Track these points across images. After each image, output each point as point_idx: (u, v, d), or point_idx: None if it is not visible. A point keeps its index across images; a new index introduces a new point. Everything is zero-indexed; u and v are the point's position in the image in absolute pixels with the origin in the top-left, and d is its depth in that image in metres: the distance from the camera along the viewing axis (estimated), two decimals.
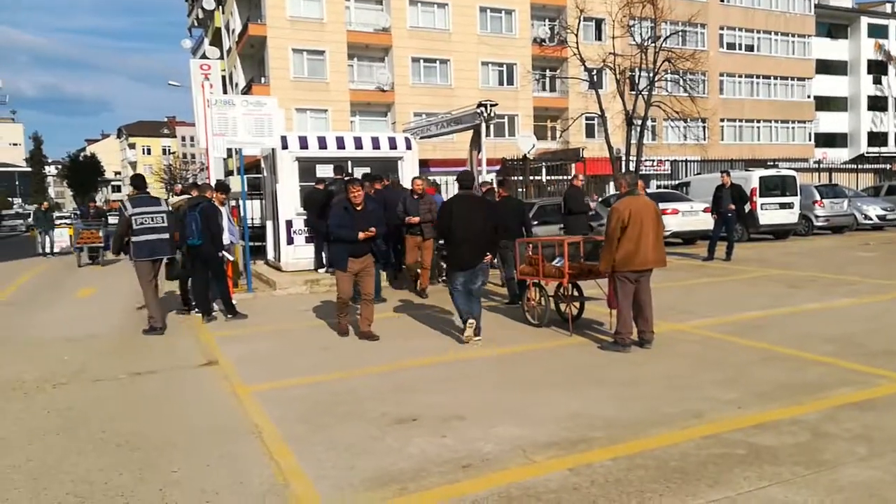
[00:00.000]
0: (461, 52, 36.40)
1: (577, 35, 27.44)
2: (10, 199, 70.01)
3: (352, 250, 7.25)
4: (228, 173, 18.44)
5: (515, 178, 19.04)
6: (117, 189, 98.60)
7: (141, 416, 5.10)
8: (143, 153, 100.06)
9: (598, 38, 37.02)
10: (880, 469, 3.66)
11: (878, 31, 53.07)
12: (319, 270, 11.69)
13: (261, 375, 6.10)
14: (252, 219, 13.95)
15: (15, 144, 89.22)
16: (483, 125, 13.32)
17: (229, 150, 11.80)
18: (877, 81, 52.99)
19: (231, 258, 9.78)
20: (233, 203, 11.56)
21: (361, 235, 7.17)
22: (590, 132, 38.04)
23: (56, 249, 20.80)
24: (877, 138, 53.06)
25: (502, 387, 5.50)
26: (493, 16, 37.47)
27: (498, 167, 20.99)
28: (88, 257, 17.55)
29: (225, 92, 29.19)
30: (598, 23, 36.87)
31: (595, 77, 28.47)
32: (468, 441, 4.29)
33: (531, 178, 21.12)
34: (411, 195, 10.25)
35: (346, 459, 4.08)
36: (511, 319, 8.30)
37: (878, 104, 53.21)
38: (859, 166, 33.65)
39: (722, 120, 43.64)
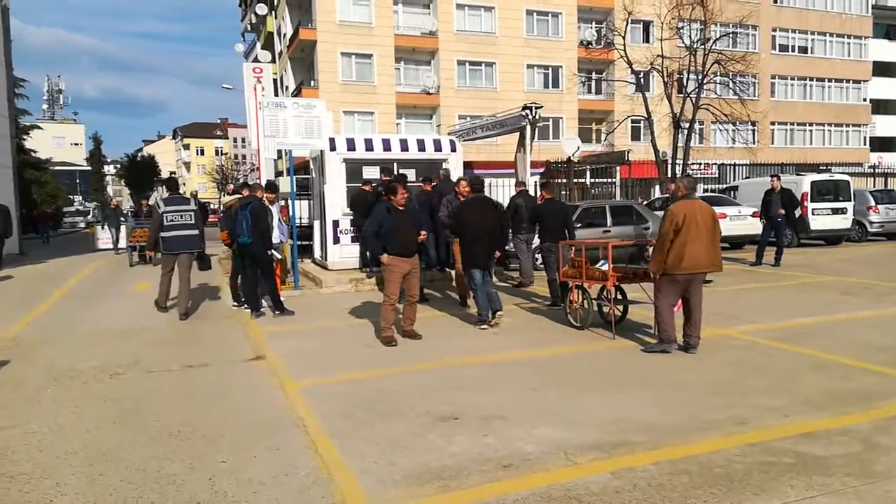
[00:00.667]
0: (507, 55, 36.37)
1: (624, 37, 27.14)
2: (70, 196, 72.65)
3: (400, 249, 7.20)
4: (278, 174, 18.85)
5: (559, 180, 18.93)
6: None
7: (192, 407, 5.27)
8: (197, 154, 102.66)
9: (646, 40, 36.52)
10: None
11: None
12: (365, 270, 11.85)
13: (307, 371, 6.23)
14: (300, 218, 14.21)
15: (76, 144, 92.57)
16: (528, 128, 13.32)
17: (279, 152, 12.07)
18: None
19: (279, 256, 10.00)
20: (282, 203, 11.83)
21: (420, 237, 7.34)
22: (635, 135, 37.55)
23: (123, 245, 21.41)
24: None
25: (544, 388, 5.51)
26: (539, 18, 37.33)
27: (542, 170, 20.92)
28: (139, 256, 17.37)
29: (276, 95, 29.77)
30: (646, 25, 36.40)
31: (642, 80, 28.10)
32: (510, 441, 4.32)
33: (575, 180, 20.95)
34: (457, 198, 9.20)
35: (388, 455, 4.15)
36: (553, 321, 8.28)
37: None
38: None
39: (773, 123, 42.51)
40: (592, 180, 24.33)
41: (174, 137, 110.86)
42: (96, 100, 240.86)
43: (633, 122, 34.43)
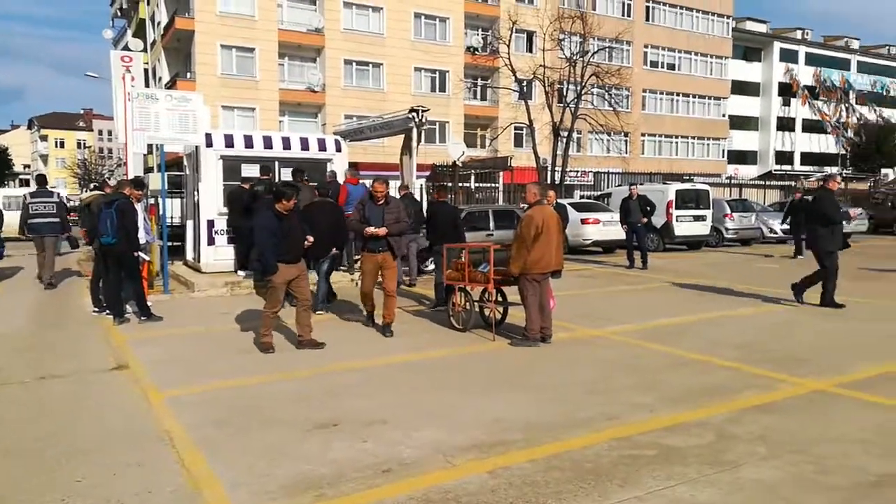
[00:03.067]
0: (395, 57, 36.40)
1: (508, 46, 27.94)
2: None
3: (287, 256, 6.86)
4: (148, 170, 17.79)
5: (445, 184, 19.15)
6: (25, 183, 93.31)
7: (46, 421, 4.84)
8: (56, 146, 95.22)
9: (529, 49, 37.79)
10: (778, 469, 3.87)
11: (788, 56, 56.44)
12: (239, 273, 11.41)
13: (175, 380, 5.89)
14: (171, 218, 13.48)
15: None
16: (414, 130, 13.35)
17: (150, 146, 11.38)
18: (786, 104, 56.31)
19: (147, 258, 9.42)
20: (151, 201, 11.16)
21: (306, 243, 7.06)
22: (518, 142, 38.73)
23: None
24: (784, 157, 56.34)
25: (425, 391, 5.52)
26: (427, 22, 37.66)
27: (428, 173, 21.07)
28: None
29: (147, 86, 28.11)
30: (530, 35, 37.64)
31: (525, 88, 29.04)
32: (389, 445, 4.28)
33: (460, 184, 21.28)
34: (372, 200, 7.81)
35: (262, 466, 3.99)
36: (436, 324, 8.34)
37: (785, 124, 56.53)
38: (767, 182, 35.68)
39: (643, 134, 45.30)
40: (477, 185, 24.83)
41: (30, 128, 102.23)
42: None
43: (516, 128, 35.50)
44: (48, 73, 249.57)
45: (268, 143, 12.33)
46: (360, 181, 12.16)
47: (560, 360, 6.56)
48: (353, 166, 13.58)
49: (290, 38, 34.33)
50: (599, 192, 24.76)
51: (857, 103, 58.57)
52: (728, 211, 20.13)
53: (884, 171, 38.86)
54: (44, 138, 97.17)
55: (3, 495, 3.62)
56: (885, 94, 60.12)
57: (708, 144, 49.98)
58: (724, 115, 50.70)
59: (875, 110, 58.21)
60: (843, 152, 54.41)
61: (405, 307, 9.58)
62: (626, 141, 40.61)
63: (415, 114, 13.36)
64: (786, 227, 18.63)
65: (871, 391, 5.30)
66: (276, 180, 11.72)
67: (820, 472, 3.82)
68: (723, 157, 50.77)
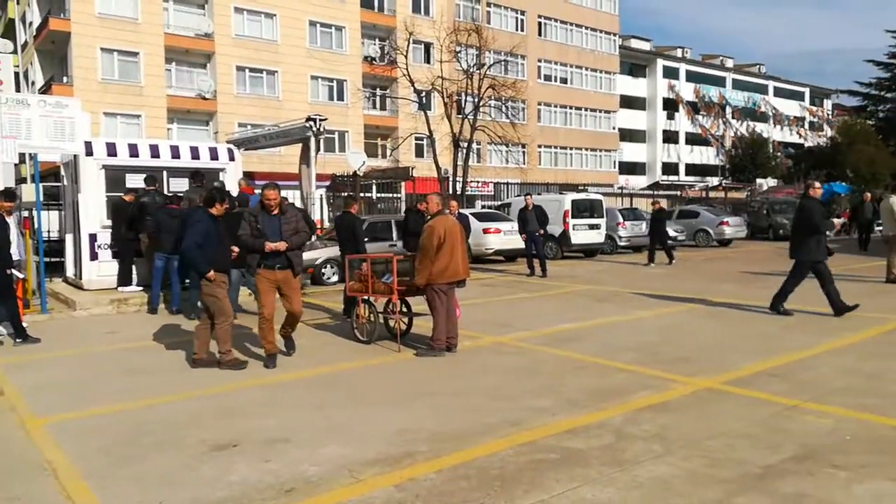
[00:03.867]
0: (290, 65, 35.70)
1: (406, 56, 28.10)
2: None
3: (218, 263, 6.60)
4: (21, 181, 16.48)
5: (345, 193, 18.95)
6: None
7: None
8: None
9: (427, 60, 38.15)
10: (673, 465, 4.05)
11: (671, 73, 60.09)
12: (122, 289, 10.78)
13: (56, 406, 5.46)
14: (49, 232, 12.55)
15: None
16: (312, 139, 13.14)
17: (21, 155, 10.55)
18: (670, 118, 59.90)
19: (21, 276, 8.70)
20: (24, 214, 10.35)
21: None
22: (419, 152, 38.96)
23: None
24: (670, 168, 59.86)
25: (329, 406, 5.39)
26: (322, 31, 37.21)
27: (328, 183, 20.80)
28: None
29: (18, 90, 26.12)
30: (427, 46, 38.02)
31: (423, 99, 29.28)
32: (293, 464, 4.14)
33: (361, 194, 21.14)
34: (265, 212, 6.79)
35: (155, 493, 3.75)
36: (339, 336, 8.20)
37: (671, 137, 60.10)
38: (655, 192, 37.74)
39: (540, 146, 46.78)
40: (378, 195, 24.77)
41: None
42: None
43: (416, 139, 35.69)
44: None
45: (155, 151, 11.73)
46: (255, 191, 11.83)
47: (465, 368, 6.60)
48: (249, 176, 13.19)
49: (177, 43, 32.95)
50: (500, 202, 25.30)
51: (732, 118, 63.10)
52: (620, 219, 21.08)
53: (758, 181, 42.08)
54: None
55: None
56: (756, 109, 65.16)
57: (600, 156, 52.27)
58: (614, 128, 53.22)
59: (748, 125, 62.96)
60: (722, 163, 58.40)
61: (306, 321, 9.36)
62: (523, 152, 41.80)
63: (312, 122, 13.17)
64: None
65: (754, 388, 5.66)
66: (165, 191, 11.22)
67: (710, 466, 4.03)
68: (614, 167, 53.27)
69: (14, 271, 8.06)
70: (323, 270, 13.64)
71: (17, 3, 35.35)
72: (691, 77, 61.35)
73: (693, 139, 61.13)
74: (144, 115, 32.09)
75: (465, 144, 28.40)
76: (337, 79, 37.56)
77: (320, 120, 13.24)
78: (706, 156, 61.67)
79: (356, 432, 4.71)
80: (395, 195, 25.42)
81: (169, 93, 33.02)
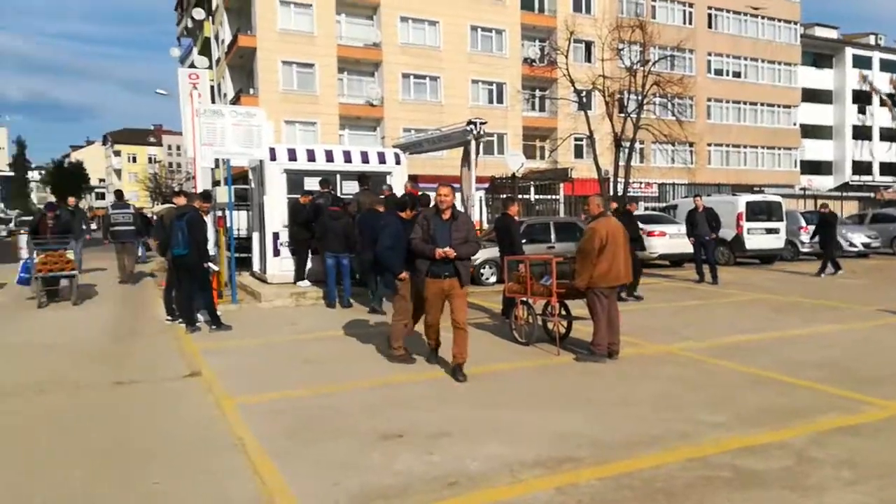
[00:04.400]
0: (451, 70, 36.63)
1: (566, 56, 27.72)
2: None
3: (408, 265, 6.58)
4: (215, 183, 18.35)
5: (504, 195, 19.10)
6: (101, 196, 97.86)
7: (122, 425, 5.01)
8: (129, 161, 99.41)
9: (588, 59, 37.41)
10: (865, 494, 3.66)
11: (862, 62, 54.16)
12: (299, 283, 11.62)
13: (245, 388, 6.02)
14: (238, 230, 13.87)
15: None
16: (473, 142, 13.37)
17: (217, 161, 11.75)
18: (861, 111, 53.98)
19: (216, 268, 9.70)
20: (219, 213, 11.50)
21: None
22: (578, 153, 38.33)
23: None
24: (861, 167, 53.94)
25: (489, 405, 5.46)
26: (483, 35, 37.78)
27: (487, 185, 21.08)
28: (46, 293, 11.05)
29: (213, 102, 29.14)
30: (588, 45, 37.28)
31: (584, 98, 28.74)
32: (455, 458, 4.25)
33: (520, 196, 21.20)
34: (437, 216, 6.41)
35: (330, 475, 4.02)
36: (498, 337, 8.27)
37: (862, 133, 54.15)
38: (844, 194, 34.20)
39: (709, 144, 44.16)
40: (536, 196, 24.68)
41: (104, 143, 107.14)
42: (22, 103, 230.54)
43: (576, 139, 35.13)
44: (121, 91, 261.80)
45: (329, 156, 12.56)
46: (420, 192, 12.26)
47: (627, 376, 6.40)
48: (413, 179, 13.68)
49: (348, 53, 35.00)
50: (664, 204, 24.22)
51: None
52: (803, 223, 19.30)
53: None
54: (117, 153, 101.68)
55: (84, 495, 3.75)
56: None
57: (778, 154, 48.32)
58: (794, 124, 48.95)
59: None
60: None
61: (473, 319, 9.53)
62: (691, 151, 39.62)
63: (472, 126, 13.38)
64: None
65: None
66: (338, 193, 11.95)
67: None
68: (795, 166, 48.99)
69: (211, 265, 9.01)
70: (482, 271, 13.83)
71: (212, 23, 39.46)
72: (887, 66, 54.85)
73: (889, 135, 54.60)
74: (319, 122, 34.45)
75: (628, 144, 27.50)
76: (496, 82, 37.96)
77: (480, 123, 13.43)
78: None
79: (516, 433, 4.74)
80: (553, 196, 25.19)
81: (341, 101, 35.18)
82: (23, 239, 20.12)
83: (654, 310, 10.52)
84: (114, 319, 9.85)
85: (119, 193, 16.43)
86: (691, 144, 37.06)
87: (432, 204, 6.98)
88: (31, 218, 24.55)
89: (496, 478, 3.96)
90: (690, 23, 43.75)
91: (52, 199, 75.71)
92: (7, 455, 4.40)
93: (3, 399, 5.71)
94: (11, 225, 40.58)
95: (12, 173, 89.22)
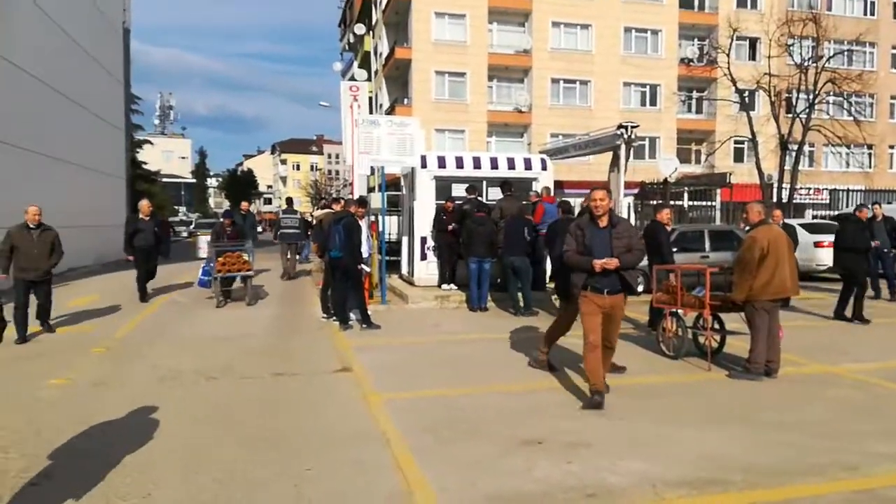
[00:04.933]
0: (603, 73, 35.86)
1: (728, 55, 26.21)
2: (175, 207, 77.29)
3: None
4: (370, 190, 19.32)
5: (655, 202, 18.39)
6: (268, 201, 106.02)
7: (280, 414, 5.44)
8: (293, 169, 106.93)
9: (752, 57, 35.07)
10: None
11: None
12: (443, 287, 11.92)
13: (391, 385, 6.30)
14: (389, 234, 14.49)
15: (183, 158, 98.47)
16: (623, 147, 13.02)
17: (372, 168, 12.37)
18: None
19: (368, 270, 10.21)
20: (372, 218, 12.09)
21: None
22: (738, 156, 36.01)
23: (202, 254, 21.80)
24: None
25: (632, 418, 5.30)
26: (637, 36, 36.61)
27: (636, 190, 20.41)
28: (223, 293, 11.66)
29: (371, 112, 30.64)
30: (753, 42, 34.96)
31: (746, 99, 27.00)
32: (594, 470, 4.19)
33: (672, 202, 20.31)
34: (592, 223, 5.70)
35: (468, 475, 4.11)
36: (643, 349, 8.00)
37: None
38: None
39: (891, 146, 39.68)
40: (690, 203, 23.53)
41: (272, 152, 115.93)
42: (203, 115, 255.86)
43: (736, 142, 33.02)
44: (288, 104, 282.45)
45: (477, 163, 12.79)
46: (557, 199, 12.19)
47: (786, 396, 5.95)
48: (558, 185, 13.55)
49: (498, 61, 35.35)
50: (836, 212, 22.13)
51: None
52: None
53: None
54: (283, 162, 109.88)
55: (244, 477, 4.12)
56: None
57: None
58: None
59: None
60: None
61: None
62: (869, 154, 35.93)
63: (623, 130, 13.01)
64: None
65: None
66: (483, 199, 12.13)
67: None
68: None
69: (364, 266, 9.52)
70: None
71: (372, 37, 41.55)
72: None
73: None
74: (468, 129, 35.11)
75: (795, 147, 25.45)
76: (650, 83, 36.64)
77: (632, 127, 13.03)
78: None
79: (660, 449, 4.57)
80: (709, 203, 23.83)
81: (489, 108, 35.63)
82: (202, 240, 22.29)
83: (819, 327, 9.66)
84: (276, 316, 10.66)
85: (290, 200, 18.58)
86: (870, 147, 33.61)
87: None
88: (209, 220, 27.18)
89: (637, 494, 3.85)
90: (872, 14, 39.56)
91: (227, 204, 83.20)
92: (180, 435, 4.92)
93: (178, 384, 6.38)
94: (192, 227, 45.11)
95: (194, 180, 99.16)
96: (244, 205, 17.42)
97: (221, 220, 13.04)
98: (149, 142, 52.28)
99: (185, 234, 44.70)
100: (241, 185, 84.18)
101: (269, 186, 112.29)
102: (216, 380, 6.52)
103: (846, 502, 3.73)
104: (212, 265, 11.62)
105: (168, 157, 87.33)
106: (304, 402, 5.81)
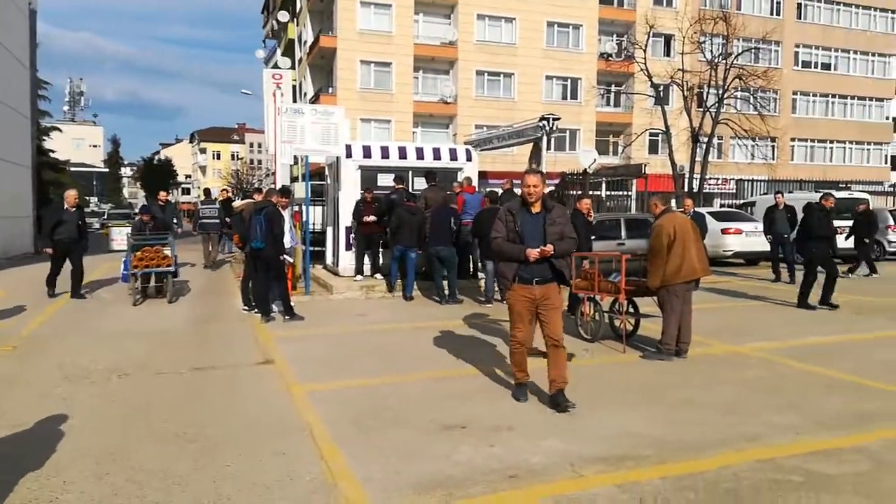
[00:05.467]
0: (526, 66, 36.42)
1: (644, 50, 27.12)
2: (86, 197, 73.54)
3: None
4: (293, 179, 18.98)
5: (575, 192, 18.88)
6: (187, 192, 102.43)
7: (199, 409, 5.29)
8: (213, 158, 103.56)
9: (667, 53, 36.46)
10: None
11: None
12: (357, 277, 11.83)
13: (314, 376, 6.24)
14: (313, 224, 14.28)
15: (94, 146, 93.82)
16: (544, 138, 13.31)
17: (295, 157, 12.15)
18: None
19: (291, 261, 10.04)
20: (295, 208, 11.88)
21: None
22: (653, 148, 37.40)
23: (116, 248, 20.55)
24: None
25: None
26: (560, 30, 37.37)
27: (557, 181, 20.88)
28: (143, 289, 11.18)
29: (294, 101, 30.04)
30: (668, 38, 36.31)
31: (661, 93, 28.03)
32: (516, 452, 4.29)
33: (591, 192, 20.88)
34: (524, 208, 5.35)
35: (393, 463, 4.14)
36: (564, 333, 8.20)
37: None
38: None
39: (793, 139, 42.15)
40: (608, 192, 24.26)
41: (191, 141, 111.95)
42: (116, 102, 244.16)
43: (651, 135, 34.29)
44: (208, 91, 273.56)
45: (402, 153, 12.77)
46: (478, 190, 12.34)
47: (695, 376, 6.26)
48: (482, 175, 13.72)
49: (424, 52, 35.33)
50: (742, 201, 23.34)
51: None
52: (891, 222, 18.28)
53: None
54: (203, 150, 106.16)
55: (161, 476, 4.00)
56: None
57: (868, 149, 45.59)
58: (887, 118, 46.05)
59: None
60: None
61: None
62: (772, 146, 38.02)
63: (545, 122, 13.33)
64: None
65: None
66: (409, 189, 12.14)
67: None
68: (885, 162, 46.10)
69: (286, 257, 9.36)
70: None
71: (296, 25, 40.69)
72: None
73: None
74: (394, 120, 34.96)
75: (705, 139, 26.66)
76: (571, 77, 37.49)
77: (553, 119, 13.36)
78: None
79: (579, 429, 4.73)
80: (626, 192, 24.67)
81: (415, 99, 35.58)
82: (115, 232, 21.31)
83: (725, 309, 10.20)
84: (195, 310, 10.34)
85: (207, 191, 19.48)
86: (773, 140, 35.53)
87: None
88: (123, 211, 26.03)
89: (557, 472, 3.97)
90: (779, 14, 41.82)
91: (142, 194, 79.74)
92: (91, 436, 4.71)
93: (88, 383, 6.11)
94: (104, 217, 43.07)
95: (107, 169, 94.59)
96: (162, 195, 16.28)
97: (138, 216, 12.47)
98: (57, 129, 49.37)
99: (97, 226, 42.71)
100: (157, 174, 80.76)
101: (188, 176, 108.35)
102: (130, 377, 6.27)
103: (750, 471, 3.96)
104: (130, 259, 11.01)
105: (78, 145, 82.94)
106: (224, 396, 5.68)
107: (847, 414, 5.02)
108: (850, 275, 14.14)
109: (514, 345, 5.41)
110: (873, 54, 44.97)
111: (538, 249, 5.07)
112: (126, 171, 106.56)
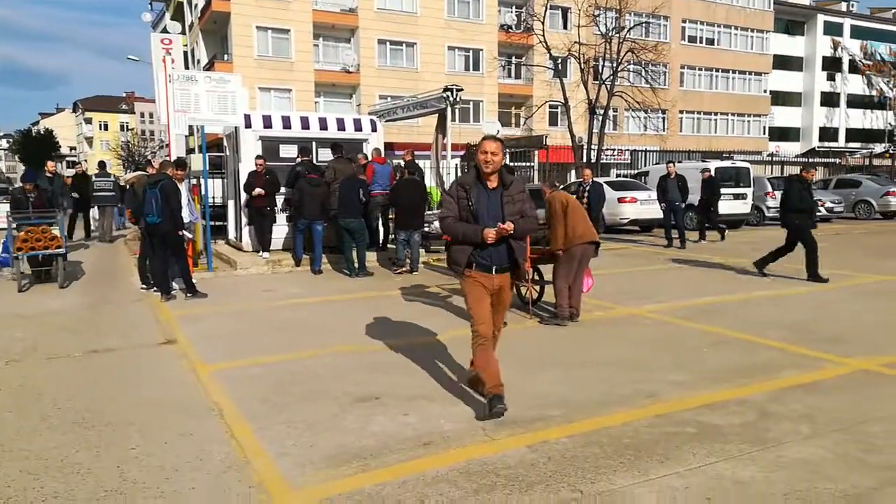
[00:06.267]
0: (428, 36, 36.19)
1: (543, 23, 27.58)
2: None
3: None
4: (189, 151, 18.11)
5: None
6: (72, 165, 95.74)
7: (97, 394, 5.03)
8: (100, 129, 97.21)
9: (565, 26, 37.23)
10: (822, 447, 3.84)
11: (833, 29, 54.49)
12: (261, 254, 11.54)
13: (220, 354, 6.06)
14: (213, 198, 13.73)
15: None
16: (448, 109, 13.32)
17: (191, 128, 11.59)
18: (830, 78, 54.48)
19: (191, 236, 9.64)
20: (193, 181, 11.38)
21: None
22: (553, 120, 38.33)
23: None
24: (828, 133, 54.65)
25: (463, 368, 5.56)
26: (460, 1, 37.31)
27: (462, 152, 21.03)
28: (34, 273, 10.21)
29: (187, 68, 28.50)
30: (565, 11, 37.06)
31: (559, 65, 28.66)
32: (429, 419, 4.36)
33: None
34: (480, 182, 4.53)
35: (306, 437, 4.11)
36: None
37: (830, 100, 54.74)
38: (810, 160, 34.74)
39: (681, 112, 44.37)
40: (511, 164, 24.72)
41: (74, 111, 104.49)
42: None
43: (550, 107, 35.12)
44: (91, 57, 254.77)
45: (305, 123, 12.45)
46: (387, 161, 12.29)
47: (597, 338, 6.56)
48: (388, 147, 13.61)
49: (324, 19, 34.38)
50: (636, 171, 24.41)
51: None
52: (769, 189, 19.72)
53: None
54: (88, 121, 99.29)
55: (59, 465, 3.79)
56: None
57: (748, 121, 48.76)
58: (765, 91, 49.30)
59: None
60: (892, 127, 52.45)
61: (443, 285, 9.65)
62: (663, 118, 39.88)
63: (449, 93, 13.31)
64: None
65: None
66: (315, 160, 11.87)
67: (866, 451, 3.78)
68: (764, 133, 49.51)
69: (185, 232, 8.96)
70: None
71: None
72: (857, 33, 55.24)
73: (856, 102, 55.25)
74: (294, 89, 33.93)
75: (602, 111, 27.59)
76: (473, 48, 37.63)
77: (457, 90, 13.36)
78: (871, 120, 55.63)
79: None
80: (528, 164, 25.27)
81: (316, 67, 34.64)
82: None
83: (622, 274, 10.72)
84: (88, 290, 9.77)
85: (102, 164, 18.25)
86: (664, 111, 37.27)
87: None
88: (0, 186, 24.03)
89: (469, 437, 4.07)
90: None
91: (22, 168, 73.73)
92: None
93: None
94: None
95: None
96: (49, 165, 14.88)
97: (21, 184, 11.27)
98: None
99: None
100: (38, 146, 74.86)
101: (73, 148, 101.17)
102: (18, 363, 5.87)
103: (650, 426, 4.21)
104: (11, 238, 9.95)
105: None
106: (124, 379, 5.42)
107: (734, 369, 5.42)
108: (702, 241, 15.09)
109: (476, 338, 4.48)
110: (752, 30, 47.80)
111: (495, 229, 4.33)
112: (1, 144, 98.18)
